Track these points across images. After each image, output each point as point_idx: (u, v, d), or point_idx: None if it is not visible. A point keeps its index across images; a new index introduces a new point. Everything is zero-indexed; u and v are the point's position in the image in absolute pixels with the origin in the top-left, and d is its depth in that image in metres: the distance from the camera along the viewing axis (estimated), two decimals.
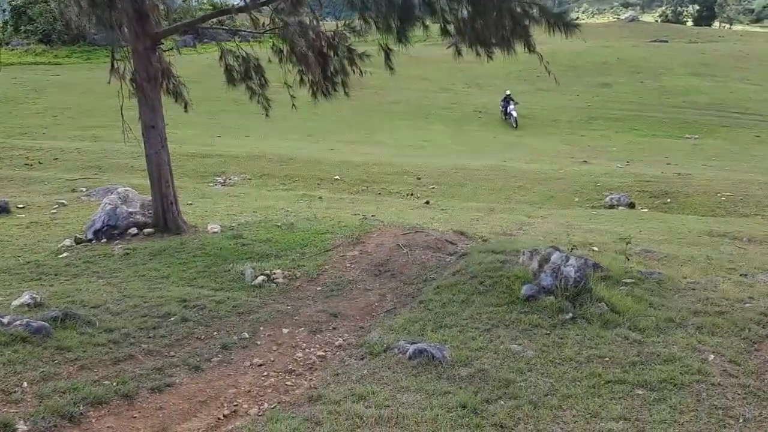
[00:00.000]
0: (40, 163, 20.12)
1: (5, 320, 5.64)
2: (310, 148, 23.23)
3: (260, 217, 11.77)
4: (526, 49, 9.44)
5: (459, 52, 10.34)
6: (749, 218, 15.49)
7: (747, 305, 6.58)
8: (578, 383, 4.84)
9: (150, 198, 11.01)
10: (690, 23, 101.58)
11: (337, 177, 18.53)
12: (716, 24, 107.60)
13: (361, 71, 11.17)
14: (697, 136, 30.40)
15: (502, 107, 32.38)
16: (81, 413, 4.25)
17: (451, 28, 9.29)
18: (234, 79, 11.81)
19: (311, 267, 8.25)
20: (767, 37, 73.99)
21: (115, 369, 5.07)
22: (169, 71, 10.65)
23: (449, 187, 18.21)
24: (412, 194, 17.31)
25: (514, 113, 31.48)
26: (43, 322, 5.75)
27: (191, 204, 13.59)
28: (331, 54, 10.99)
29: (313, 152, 22.10)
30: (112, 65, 10.17)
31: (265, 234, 10.02)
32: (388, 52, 10.23)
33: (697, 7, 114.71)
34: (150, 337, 5.83)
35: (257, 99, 11.81)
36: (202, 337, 5.98)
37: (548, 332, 5.75)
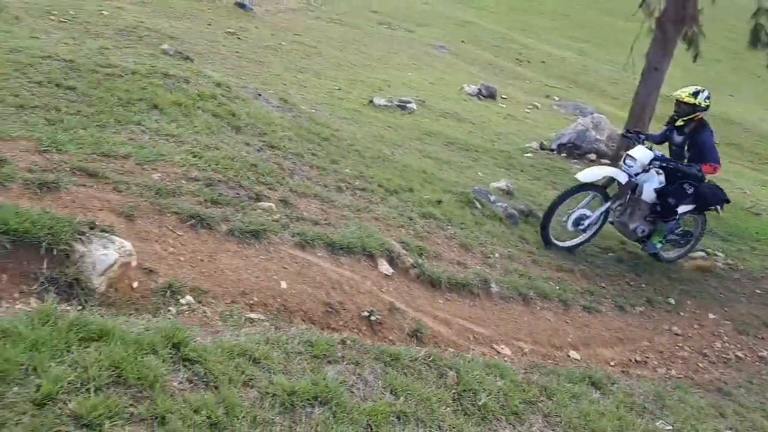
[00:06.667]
0: (528, 62, 22.22)
1: (492, 198, 7.04)
2: None
3: None
4: None
5: None
6: None
7: None
8: None
9: (618, 131, 11.46)
10: None
11: None
12: None
13: None
14: None
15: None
16: (530, 297, 5.26)
17: None
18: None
19: (756, 266, 7.79)
20: None
21: (557, 276, 5.94)
22: (696, 17, 10.44)
23: None
24: None
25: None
26: (514, 211, 6.99)
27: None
28: None
29: None
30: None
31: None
32: None
33: None
34: (587, 263, 6.53)
35: None
36: (631, 283, 6.43)
37: None
